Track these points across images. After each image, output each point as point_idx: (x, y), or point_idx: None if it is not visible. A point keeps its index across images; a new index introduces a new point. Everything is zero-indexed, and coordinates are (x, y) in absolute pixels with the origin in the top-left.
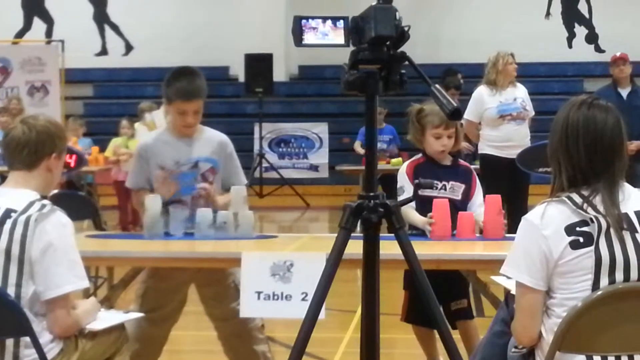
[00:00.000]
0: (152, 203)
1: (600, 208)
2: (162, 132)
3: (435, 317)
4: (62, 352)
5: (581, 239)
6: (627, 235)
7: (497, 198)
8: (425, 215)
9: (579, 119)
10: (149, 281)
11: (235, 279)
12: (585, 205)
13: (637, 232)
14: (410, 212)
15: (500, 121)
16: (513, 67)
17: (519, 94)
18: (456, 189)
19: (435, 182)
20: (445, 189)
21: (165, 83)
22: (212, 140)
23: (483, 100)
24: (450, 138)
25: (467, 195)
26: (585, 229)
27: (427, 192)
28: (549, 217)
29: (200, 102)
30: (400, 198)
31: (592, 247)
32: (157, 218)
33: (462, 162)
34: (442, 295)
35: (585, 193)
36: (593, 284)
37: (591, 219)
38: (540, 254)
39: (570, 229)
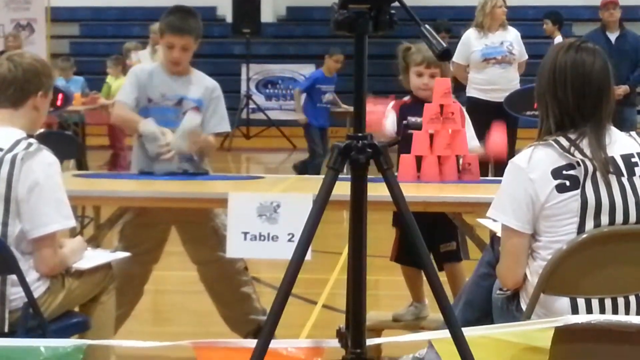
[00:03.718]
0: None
1: (587, 151)
2: (157, 65)
3: (422, 258)
4: (48, 291)
5: (567, 183)
6: (613, 179)
7: None
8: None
9: (567, 62)
10: (128, 217)
11: (215, 225)
12: (572, 148)
13: (623, 175)
14: None
15: (485, 64)
16: (502, 11)
17: (509, 37)
18: None
19: (421, 120)
20: None
21: (160, 18)
22: (201, 82)
23: (470, 43)
24: (433, 78)
25: None
26: (571, 172)
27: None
28: (535, 160)
29: (190, 40)
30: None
31: (578, 191)
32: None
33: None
34: (431, 238)
35: (573, 136)
36: (578, 227)
37: (578, 163)
38: (526, 198)
39: (556, 173)
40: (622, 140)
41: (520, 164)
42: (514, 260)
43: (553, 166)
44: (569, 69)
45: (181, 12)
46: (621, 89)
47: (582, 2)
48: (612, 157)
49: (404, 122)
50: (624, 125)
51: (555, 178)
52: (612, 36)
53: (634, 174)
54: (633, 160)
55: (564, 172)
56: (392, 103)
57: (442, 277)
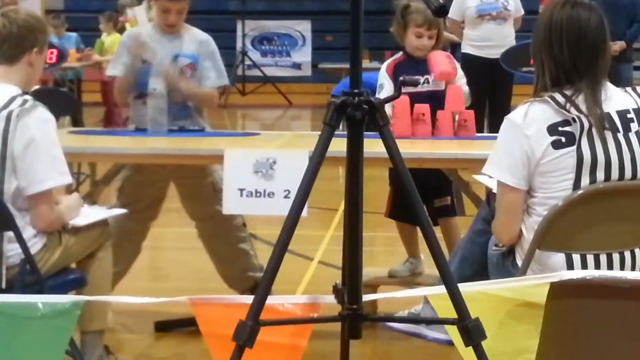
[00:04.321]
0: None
1: (583, 108)
2: (149, 27)
3: (417, 214)
4: (45, 247)
5: (563, 139)
6: (608, 135)
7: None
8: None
9: (563, 18)
10: (127, 174)
11: (213, 180)
12: (567, 104)
13: (619, 131)
14: None
15: (480, 20)
16: None
17: None
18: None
19: (418, 76)
20: (428, 82)
21: None
22: (195, 38)
23: None
24: (431, 39)
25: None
26: (567, 128)
27: (411, 89)
28: (531, 116)
29: (184, 3)
30: (380, 95)
31: (574, 147)
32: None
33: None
34: (426, 193)
35: (568, 93)
36: (574, 183)
37: (573, 119)
38: (522, 154)
39: (552, 129)
40: (618, 96)
41: (516, 120)
42: (509, 216)
43: (549, 122)
44: (565, 25)
45: None
46: (617, 45)
47: None
48: (608, 113)
49: (400, 78)
50: (620, 81)
51: (551, 134)
52: None
53: (630, 130)
54: (629, 116)
55: (560, 128)
56: (385, 65)
57: (437, 232)
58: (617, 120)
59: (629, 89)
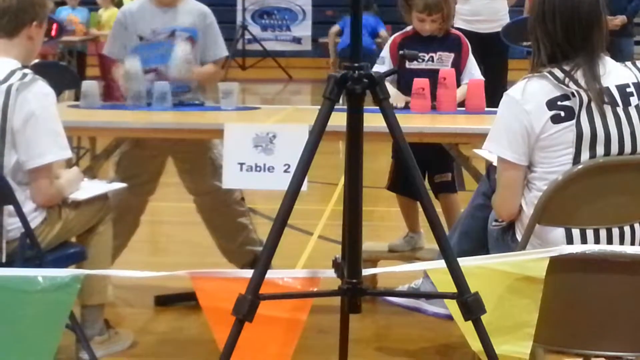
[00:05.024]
0: (132, 68)
1: (582, 82)
2: (144, 0)
3: (417, 189)
4: (45, 221)
5: (562, 113)
6: (608, 109)
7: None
8: (411, 89)
9: None
10: (125, 149)
11: (212, 155)
12: (566, 79)
13: (618, 105)
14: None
15: None
16: None
17: None
18: (445, 59)
19: (422, 53)
20: (433, 60)
21: None
22: (192, 10)
23: None
24: (434, 22)
25: (458, 64)
26: (566, 103)
27: (414, 65)
28: (530, 92)
29: None
30: (379, 68)
31: (574, 121)
32: (139, 86)
33: (453, 30)
34: (427, 168)
35: (567, 68)
36: (574, 157)
37: (572, 93)
38: (521, 129)
39: (551, 104)
40: (617, 71)
41: (515, 95)
42: (509, 192)
43: (548, 97)
44: (558, 1)
45: None
46: (618, 19)
47: None
48: (607, 88)
49: (400, 52)
50: (621, 56)
51: (550, 109)
52: None
53: (629, 104)
54: (628, 90)
55: (559, 103)
56: (393, 37)
57: (437, 208)
58: (616, 94)
59: (628, 63)
